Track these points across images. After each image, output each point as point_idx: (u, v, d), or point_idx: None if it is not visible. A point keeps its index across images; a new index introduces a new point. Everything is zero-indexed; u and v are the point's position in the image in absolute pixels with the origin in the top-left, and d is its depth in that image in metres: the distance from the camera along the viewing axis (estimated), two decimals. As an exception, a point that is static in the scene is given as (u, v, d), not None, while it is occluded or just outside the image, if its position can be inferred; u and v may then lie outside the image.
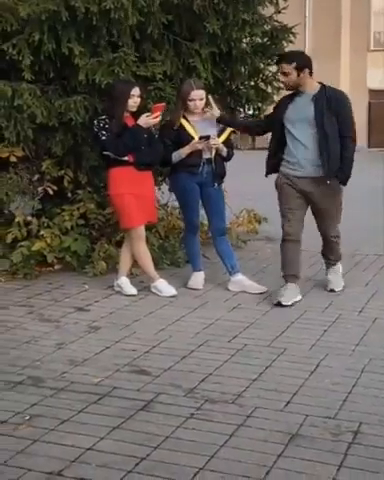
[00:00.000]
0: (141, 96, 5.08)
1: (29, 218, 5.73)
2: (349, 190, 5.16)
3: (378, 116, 25.48)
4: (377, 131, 25.29)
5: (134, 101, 5.00)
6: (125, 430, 3.04)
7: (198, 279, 5.50)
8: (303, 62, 4.84)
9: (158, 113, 4.99)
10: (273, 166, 5.09)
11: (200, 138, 5.13)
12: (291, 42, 6.64)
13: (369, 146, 24.54)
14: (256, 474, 2.64)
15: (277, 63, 5.13)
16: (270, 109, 7.18)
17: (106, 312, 4.82)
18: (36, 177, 5.84)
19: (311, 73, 4.86)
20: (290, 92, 4.99)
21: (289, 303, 4.93)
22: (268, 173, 5.16)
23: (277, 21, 6.61)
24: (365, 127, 25.01)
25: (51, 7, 4.93)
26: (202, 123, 5.23)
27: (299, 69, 4.80)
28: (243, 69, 6.55)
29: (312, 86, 4.87)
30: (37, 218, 5.82)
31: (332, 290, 5.28)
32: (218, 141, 5.20)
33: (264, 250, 6.90)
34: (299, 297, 5.05)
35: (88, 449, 2.86)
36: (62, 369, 3.75)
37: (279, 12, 6.63)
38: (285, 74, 4.85)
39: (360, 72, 25.60)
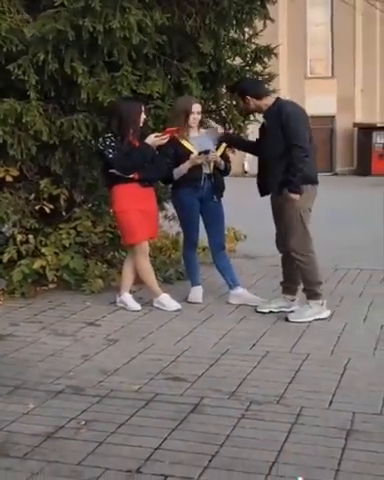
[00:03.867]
0: (144, 113, 5.24)
1: (29, 236, 5.74)
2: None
3: (317, 141, 26.15)
4: (318, 156, 25.96)
5: (143, 118, 5.15)
6: (184, 431, 3.14)
7: (198, 293, 5.62)
8: (241, 89, 5.16)
9: (168, 135, 5.14)
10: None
11: (199, 153, 5.29)
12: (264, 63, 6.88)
13: (308, 171, 25.19)
14: (330, 465, 2.79)
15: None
16: (250, 127, 7.40)
17: (118, 326, 4.89)
18: (32, 196, 5.88)
19: (261, 95, 5.03)
20: None
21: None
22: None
23: (254, 43, 6.87)
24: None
25: (58, 27, 5.03)
26: (199, 139, 5.40)
27: (242, 96, 5.09)
28: (225, 89, 6.77)
29: (266, 107, 5.03)
30: (34, 237, 5.84)
31: (286, 319, 4.96)
32: (217, 155, 5.37)
33: (247, 267, 7.08)
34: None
35: (156, 449, 2.95)
36: (97, 378, 3.81)
37: (257, 34, 6.88)
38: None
39: (298, 99, 26.31)
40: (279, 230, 5.15)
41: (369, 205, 13.77)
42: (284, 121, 4.84)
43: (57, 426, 3.17)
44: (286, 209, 4.92)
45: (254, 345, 4.44)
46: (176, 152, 5.31)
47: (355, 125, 26.25)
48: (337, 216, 11.13)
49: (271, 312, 5.14)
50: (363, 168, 25.20)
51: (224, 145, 5.55)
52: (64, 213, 6.05)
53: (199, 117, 5.40)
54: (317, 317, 4.95)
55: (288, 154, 4.82)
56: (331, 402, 3.46)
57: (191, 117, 5.31)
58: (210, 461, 2.83)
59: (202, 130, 5.53)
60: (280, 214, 5.03)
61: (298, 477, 2.64)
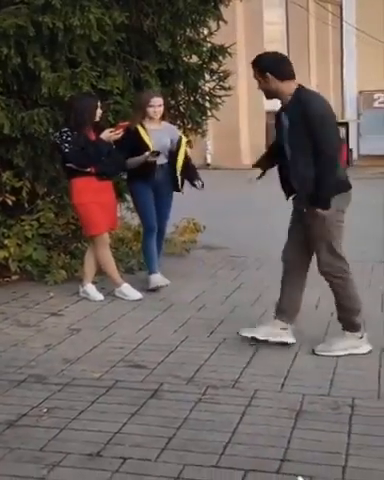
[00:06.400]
0: (101, 108, 5.24)
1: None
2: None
3: (274, 136, 26.21)
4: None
5: (99, 113, 5.15)
6: (143, 415, 3.17)
7: (157, 279, 5.64)
8: (263, 64, 3.97)
9: (121, 130, 5.14)
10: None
11: (152, 152, 5.29)
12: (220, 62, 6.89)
13: (267, 164, 25.38)
14: (280, 443, 2.85)
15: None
16: (210, 124, 7.40)
17: (80, 316, 4.89)
18: (-5, 188, 5.83)
19: (284, 77, 3.95)
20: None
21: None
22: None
23: (210, 42, 6.89)
24: (263, 147, 25.86)
25: (19, 23, 4.99)
26: (158, 132, 5.41)
27: (261, 73, 3.96)
28: (182, 86, 6.79)
29: (287, 93, 3.96)
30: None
31: (313, 351, 4.03)
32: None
33: (208, 257, 7.11)
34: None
35: (116, 433, 2.98)
36: (59, 367, 3.82)
37: (212, 33, 6.89)
38: (257, 81, 4.01)
39: (256, 95, 26.37)
40: (294, 239, 4.19)
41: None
42: (311, 120, 3.84)
43: (20, 414, 3.18)
44: (313, 226, 3.97)
45: (212, 333, 4.48)
46: (134, 142, 5.31)
47: (311, 120, 26.47)
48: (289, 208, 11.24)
49: (253, 338, 4.14)
50: (319, 161, 25.45)
51: (185, 140, 5.55)
52: (27, 205, 6.01)
53: (160, 109, 5.41)
54: (352, 352, 3.96)
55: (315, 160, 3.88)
56: (283, 385, 3.53)
57: (151, 109, 5.34)
58: (167, 443, 2.88)
59: (163, 123, 5.53)
60: (301, 227, 4.11)
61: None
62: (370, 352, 4.00)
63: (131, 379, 3.63)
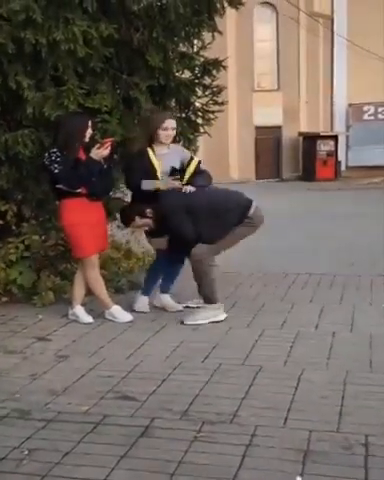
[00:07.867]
0: (91, 128, 4.89)
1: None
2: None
3: (263, 151, 26.05)
4: (262, 164, 25.88)
5: (89, 133, 4.80)
6: (133, 458, 2.79)
7: (145, 302, 5.28)
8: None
9: (107, 145, 4.79)
10: None
11: (173, 171, 4.89)
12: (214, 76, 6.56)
13: (256, 178, 25.20)
14: (286, 494, 2.47)
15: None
16: (199, 139, 7.10)
17: (69, 340, 4.51)
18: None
19: None
20: None
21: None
22: None
23: (203, 56, 6.55)
24: (252, 161, 25.70)
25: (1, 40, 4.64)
26: (167, 156, 4.96)
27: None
28: (174, 102, 6.45)
29: None
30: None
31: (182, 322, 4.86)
32: (176, 183, 4.89)
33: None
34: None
35: (103, 481, 2.59)
36: (44, 400, 3.44)
37: (205, 47, 6.55)
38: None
39: (247, 110, 26.17)
40: None
41: (316, 207, 13.66)
42: None
43: (-2, 458, 2.79)
44: None
45: (207, 357, 4.11)
46: (144, 166, 4.90)
47: (300, 134, 26.27)
48: (279, 221, 10.87)
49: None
50: (308, 174, 25.28)
51: (196, 161, 5.10)
52: (14, 227, 5.64)
53: (173, 133, 4.99)
54: (212, 320, 4.88)
55: None
56: (286, 419, 3.15)
57: (164, 133, 4.90)
58: (160, 494, 2.49)
59: (171, 145, 5.10)
60: None
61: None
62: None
63: (120, 413, 3.24)
